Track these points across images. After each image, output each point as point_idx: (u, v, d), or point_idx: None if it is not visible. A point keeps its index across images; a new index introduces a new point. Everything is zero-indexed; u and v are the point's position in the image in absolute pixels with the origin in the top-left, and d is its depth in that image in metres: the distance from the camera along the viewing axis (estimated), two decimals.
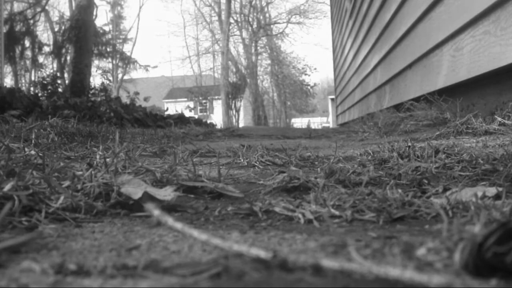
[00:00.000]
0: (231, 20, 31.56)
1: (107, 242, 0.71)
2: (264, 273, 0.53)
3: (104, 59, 29.33)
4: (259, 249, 0.57)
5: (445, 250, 0.57)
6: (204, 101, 33.73)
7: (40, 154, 1.37)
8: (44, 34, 27.25)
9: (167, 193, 1.00)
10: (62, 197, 0.90)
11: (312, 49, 72.79)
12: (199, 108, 33.43)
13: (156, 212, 0.84)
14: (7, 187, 0.86)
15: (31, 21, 23.19)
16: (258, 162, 1.77)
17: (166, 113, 10.66)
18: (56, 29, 24.75)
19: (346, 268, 0.51)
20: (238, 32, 33.28)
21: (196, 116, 17.81)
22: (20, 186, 0.89)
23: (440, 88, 3.57)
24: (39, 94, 9.36)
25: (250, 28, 33.12)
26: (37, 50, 24.01)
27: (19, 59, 23.35)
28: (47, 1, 24.47)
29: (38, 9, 23.89)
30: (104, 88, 11.67)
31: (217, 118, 27.74)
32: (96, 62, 27.77)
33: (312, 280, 0.51)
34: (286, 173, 1.21)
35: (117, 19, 33.11)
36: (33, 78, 22.74)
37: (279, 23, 34.81)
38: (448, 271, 0.51)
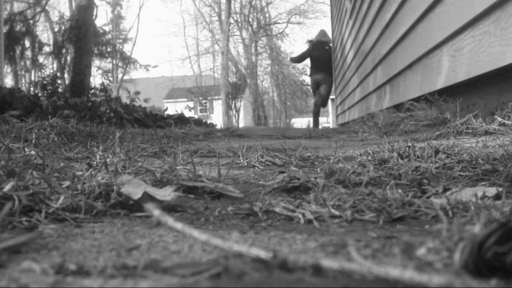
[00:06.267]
0: (231, 20, 31.56)
1: (107, 242, 0.71)
2: (264, 273, 0.53)
3: (104, 59, 29.34)
4: (259, 249, 0.57)
5: (445, 250, 0.57)
6: (204, 101, 33.71)
7: (40, 154, 1.37)
8: (44, 34, 27.27)
9: (167, 193, 1.00)
10: (62, 197, 0.90)
11: None
12: (199, 108, 33.42)
13: (156, 212, 0.84)
14: (7, 187, 0.86)
15: (31, 21, 23.18)
16: (258, 162, 1.77)
17: (166, 113, 10.66)
18: (56, 29, 24.76)
19: (346, 268, 0.51)
20: (238, 32, 33.30)
21: (196, 116, 17.81)
22: (20, 186, 0.89)
23: (440, 88, 3.57)
24: (39, 94, 9.35)
25: (250, 28, 33.13)
26: (37, 50, 24.01)
27: (19, 59, 23.34)
28: (47, 1, 24.47)
29: (38, 9, 23.88)
30: (104, 88, 11.66)
31: (217, 118, 27.73)
32: (96, 62, 27.80)
33: (312, 280, 0.51)
34: (286, 173, 1.21)
35: (117, 19, 33.11)
36: (33, 78, 22.75)
37: (279, 23, 34.82)
38: (448, 271, 0.51)
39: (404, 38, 4.75)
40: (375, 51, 6.44)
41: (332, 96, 13.93)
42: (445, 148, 1.56)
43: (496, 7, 2.53)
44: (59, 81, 14.52)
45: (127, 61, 31.89)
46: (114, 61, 31.07)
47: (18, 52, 22.68)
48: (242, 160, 1.82)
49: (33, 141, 2.04)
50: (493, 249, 0.47)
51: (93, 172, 1.04)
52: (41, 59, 24.46)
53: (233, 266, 0.54)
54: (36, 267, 0.56)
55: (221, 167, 1.42)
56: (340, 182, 1.21)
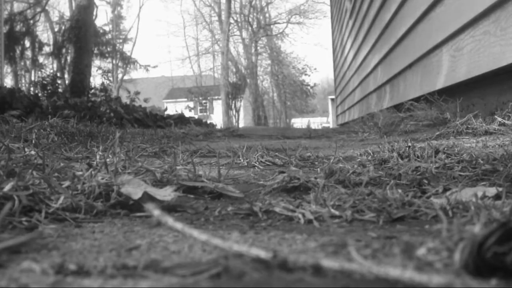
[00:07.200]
0: (231, 20, 31.57)
1: (107, 242, 0.71)
2: (264, 273, 0.53)
3: (104, 59, 29.33)
4: (259, 249, 0.57)
5: (445, 250, 0.57)
6: (204, 101, 33.72)
7: (40, 154, 1.37)
8: (44, 34, 27.26)
9: (167, 193, 1.00)
10: (62, 197, 0.90)
11: (312, 49, 72.89)
12: (199, 108, 33.42)
13: (156, 212, 0.84)
14: (7, 187, 0.86)
15: (31, 21, 23.19)
16: (258, 162, 1.77)
17: (166, 113, 10.66)
18: (56, 29, 24.77)
19: (346, 268, 0.51)
20: (238, 32, 33.31)
21: (196, 116, 17.80)
22: (20, 186, 0.89)
23: (440, 88, 3.57)
24: (39, 94, 9.35)
25: (250, 28, 33.14)
26: (37, 50, 24.01)
27: (19, 59, 23.34)
28: (47, 1, 24.47)
29: (38, 9, 23.88)
30: (104, 88, 11.65)
31: (217, 118, 27.73)
32: (96, 62, 27.78)
33: (312, 280, 0.51)
34: (286, 173, 1.21)
35: (117, 19, 33.10)
36: (33, 78, 22.73)
37: (279, 23, 34.84)
38: (448, 271, 0.51)
39: (404, 38, 4.75)
40: (375, 51, 6.44)
41: (332, 96, 14.08)
42: (445, 148, 1.56)
43: (496, 7, 2.53)
44: (59, 81, 14.50)
45: (127, 61, 31.88)
46: (114, 61, 31.07)
47: (18, 52, 22.68)
48: (242, 160, 1.82)
49: (33, 141, 2.04)
50: (493, 249, 0.47)
51: (93, 172, 1.04)
52: (41, 59, 24.47)
53: (233, 266, 0.54)
54: (36, 267, 0.56)
55: (221, 167, 1.42)
56: (340, 182, 1.21)
